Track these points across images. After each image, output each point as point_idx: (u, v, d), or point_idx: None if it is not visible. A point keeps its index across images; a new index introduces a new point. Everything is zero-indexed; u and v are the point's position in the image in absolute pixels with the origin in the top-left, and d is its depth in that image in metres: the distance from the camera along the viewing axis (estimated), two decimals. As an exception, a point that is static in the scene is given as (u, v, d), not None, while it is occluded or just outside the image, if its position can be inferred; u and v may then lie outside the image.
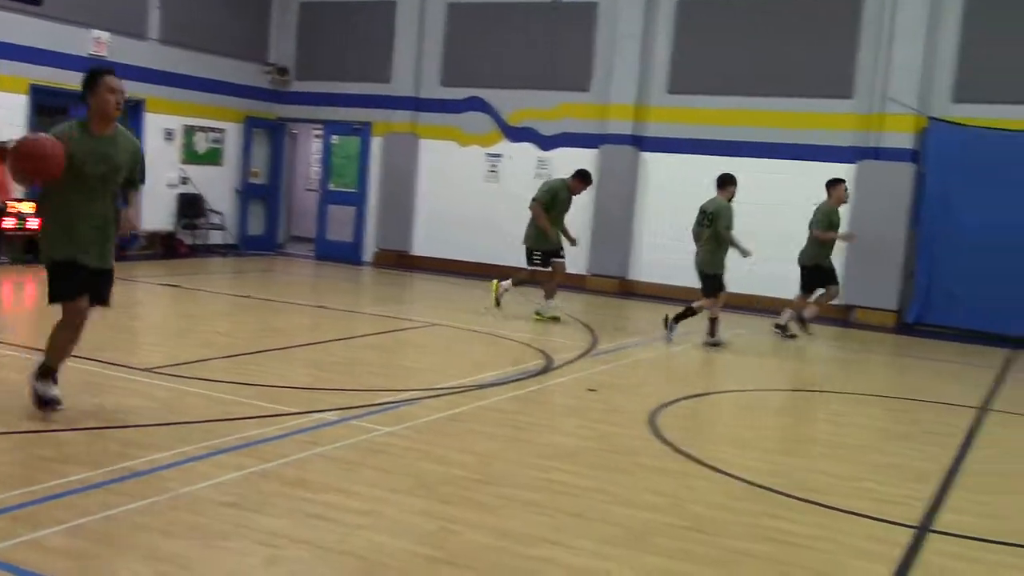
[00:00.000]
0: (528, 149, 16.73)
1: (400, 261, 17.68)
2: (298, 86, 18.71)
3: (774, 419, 8.07)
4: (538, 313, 11.81)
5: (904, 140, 14.02)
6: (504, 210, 16.75)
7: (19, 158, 5.47)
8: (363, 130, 18.18)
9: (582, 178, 11.94)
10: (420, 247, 17.78)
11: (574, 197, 12.06)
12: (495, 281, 12.22)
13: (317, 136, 19.94)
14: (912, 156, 14.02)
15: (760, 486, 5.55)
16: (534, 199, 11.85)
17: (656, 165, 15.73)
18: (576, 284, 15.87)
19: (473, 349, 9.86)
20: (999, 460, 6.75)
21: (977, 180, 13.42)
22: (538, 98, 16.62)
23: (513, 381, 8.02)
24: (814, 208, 11.83)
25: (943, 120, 13.79)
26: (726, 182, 11.07)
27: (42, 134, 5.62)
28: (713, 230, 10.76)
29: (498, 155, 17.01)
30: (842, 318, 14.23)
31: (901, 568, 4.46)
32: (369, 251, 18.22)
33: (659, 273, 15.57)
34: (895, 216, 14.13)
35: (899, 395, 9.00)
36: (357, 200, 18.30)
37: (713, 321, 10.92)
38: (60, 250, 5.69)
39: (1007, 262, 13.12)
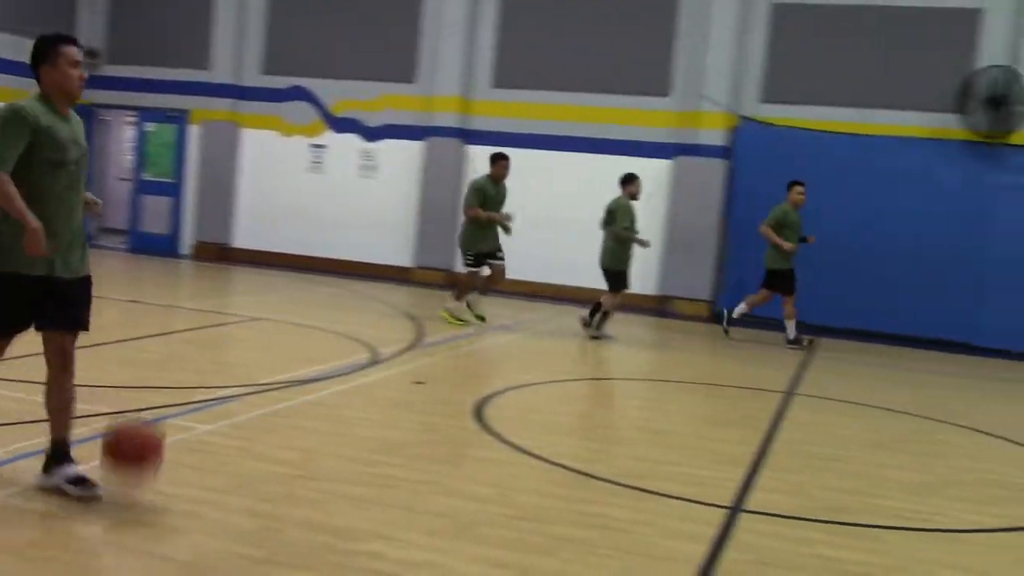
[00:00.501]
0: (352, 140, 16.53)
1: (221, 254, 17.16)
2: (110, 70, 17.84)
3: (596, 407, 8.27)
4: (450, 313, 11.40)
5: (717, 137, 14.64)
6: (328, 202, 16.55)
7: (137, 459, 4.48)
8: (180, 118, 17.53)
9: (496, 160, 11.54)
10: (242, 239, 17.31)
11: (505, 184, 11.62)
12: (443, 311, 11.51)
13: (130, 123, 19.09)
14: (724, 153, 14.65)
15: (583, 473, 5.69)
16: (465, 206, 11.43)
17: (482, 158, 15.81)
18: (402, 276, 15.83)
19: (296, 343, 9.68)
20: (805, 441, 7.13)
21: (784, 176, 14.09)
22: (362, 88, 16.44)
23: (337, 375, 7.92)
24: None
25: (753, 119, 14.49)
26: (625, 181, 11.34)
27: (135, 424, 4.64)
28: (612, 228, 11.06)
29: (322, 146, 16.75)
30: (659, 308, 14.72)
31: (716, 546, 4.65)
32: (187, 244, 17.60)
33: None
34: (709, 210, 14.73)
35: (713, 382, 9.38)
36: (174, 191, 17.64)
37: (604, 314, 11.18)
38: (30, 262, 4.57)
39: (810, 254, 13.89)
